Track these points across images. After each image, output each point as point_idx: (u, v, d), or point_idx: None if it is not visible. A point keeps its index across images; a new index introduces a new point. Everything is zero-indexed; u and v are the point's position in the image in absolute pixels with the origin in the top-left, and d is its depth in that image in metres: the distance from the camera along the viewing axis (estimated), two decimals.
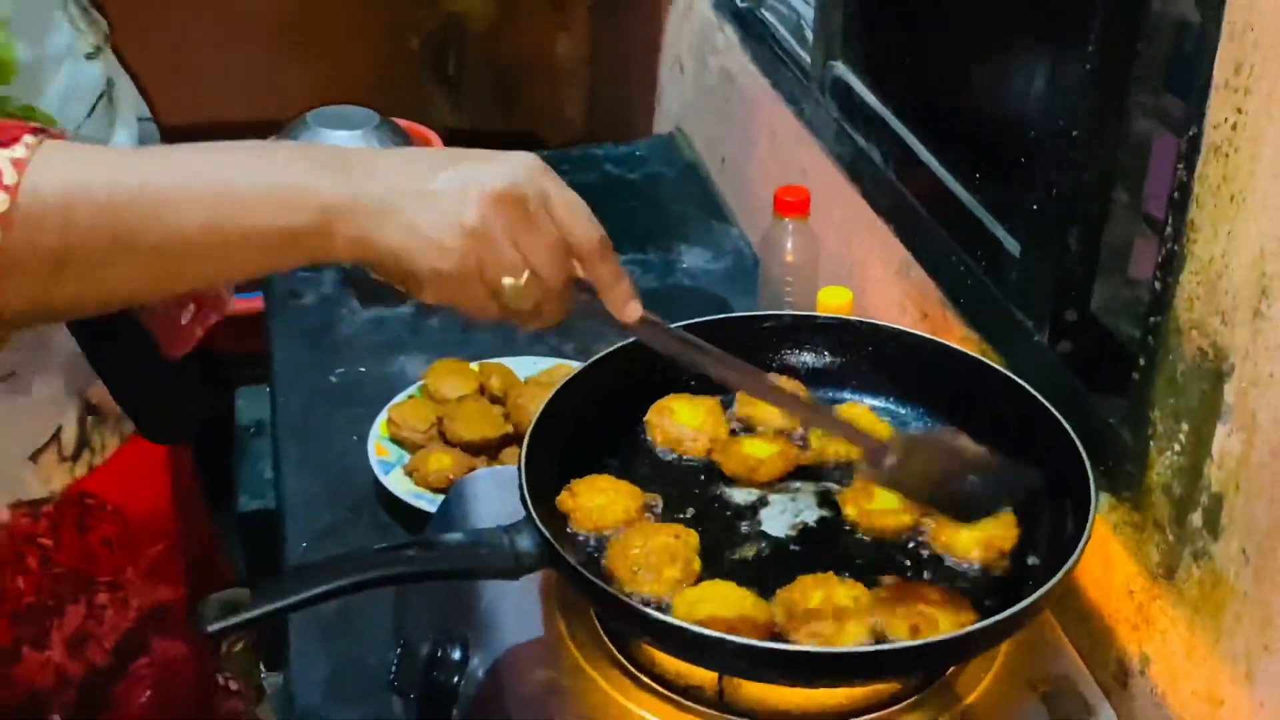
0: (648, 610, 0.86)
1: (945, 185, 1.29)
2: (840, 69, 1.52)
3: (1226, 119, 0.85)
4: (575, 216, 0.82)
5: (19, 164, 0.74)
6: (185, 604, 1.23)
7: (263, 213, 0.78)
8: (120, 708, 1.17)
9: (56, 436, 1.06)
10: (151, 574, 1.18)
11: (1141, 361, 0.96)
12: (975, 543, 0.97)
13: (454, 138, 2.11)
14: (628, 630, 0.93)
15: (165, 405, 1.10)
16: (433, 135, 1.96)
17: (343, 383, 1.53)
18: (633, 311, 0.86)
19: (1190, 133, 0.88)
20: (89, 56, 1.13)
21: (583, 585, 0.89)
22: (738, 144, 1.88)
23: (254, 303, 1.77)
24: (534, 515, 0.92)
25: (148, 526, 1.19)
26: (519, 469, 0.97)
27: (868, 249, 1.47)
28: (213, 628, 0.84)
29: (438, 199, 0.79)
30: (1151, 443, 0.96)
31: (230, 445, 2.08)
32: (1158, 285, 0.94)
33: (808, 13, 1.65)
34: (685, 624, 0.85)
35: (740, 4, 1.85)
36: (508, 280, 0.80)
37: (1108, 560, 1.02)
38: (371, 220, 0.78)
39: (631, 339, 1.09)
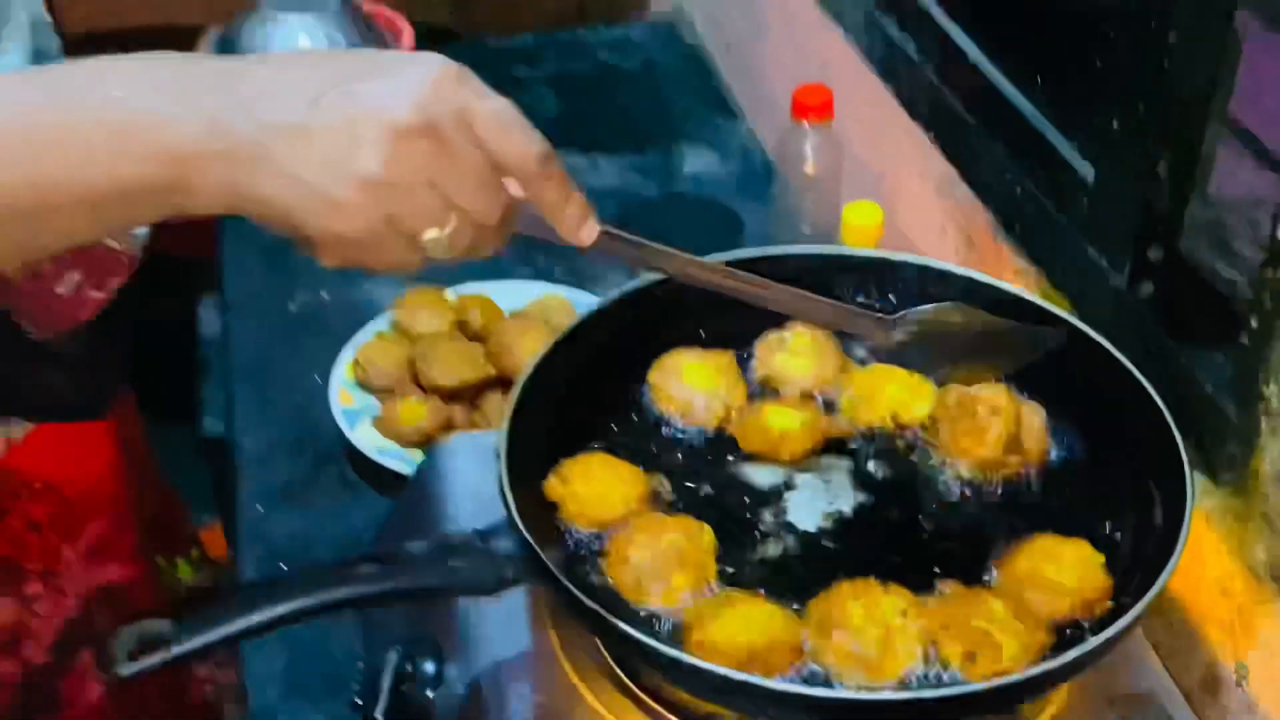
0: (660, 646, 0.72)
1: (999, 89, 1.16)
2: None
3: None
4: (506, 131, 0.67)
5: None
6: (143, 581, 1.11)
7: (98, 165, 0.62)
8: (70, 707, 1.06)
9: None
10: (95, 554, 1.08)
11: (1254, 321, 0.82)
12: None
13: (431, 30, 1.92)
14: (636, 663, 0.79)
15: (50, 386, 0.95)
16: (405, 26, 1.77)
17: (303, 311, 1.41)
18: (589, 233, 0.73)
19: None
20: None
21: (578, 609, 0.74)
22: (746, 28, 1.77)
23: None
24: (518, 520, 0.77)
25: (87, 501, 1.07)
26: (498, 453, 0.82)
27: (902, 160, 1.37)
28: (126, 670, 0.71)
29: (320, 139, 0.63)
30: (1264, 420, 0.82)
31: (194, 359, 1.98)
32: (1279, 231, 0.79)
33: None
34: (706, 665, 0.71)
35: None
36: (430, 233, 0.67)
37: (1198, 549, 0.89)
38: (239, 166, 0.63)
39: (638, 283, 0.97)
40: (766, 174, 1.55)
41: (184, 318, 1.94)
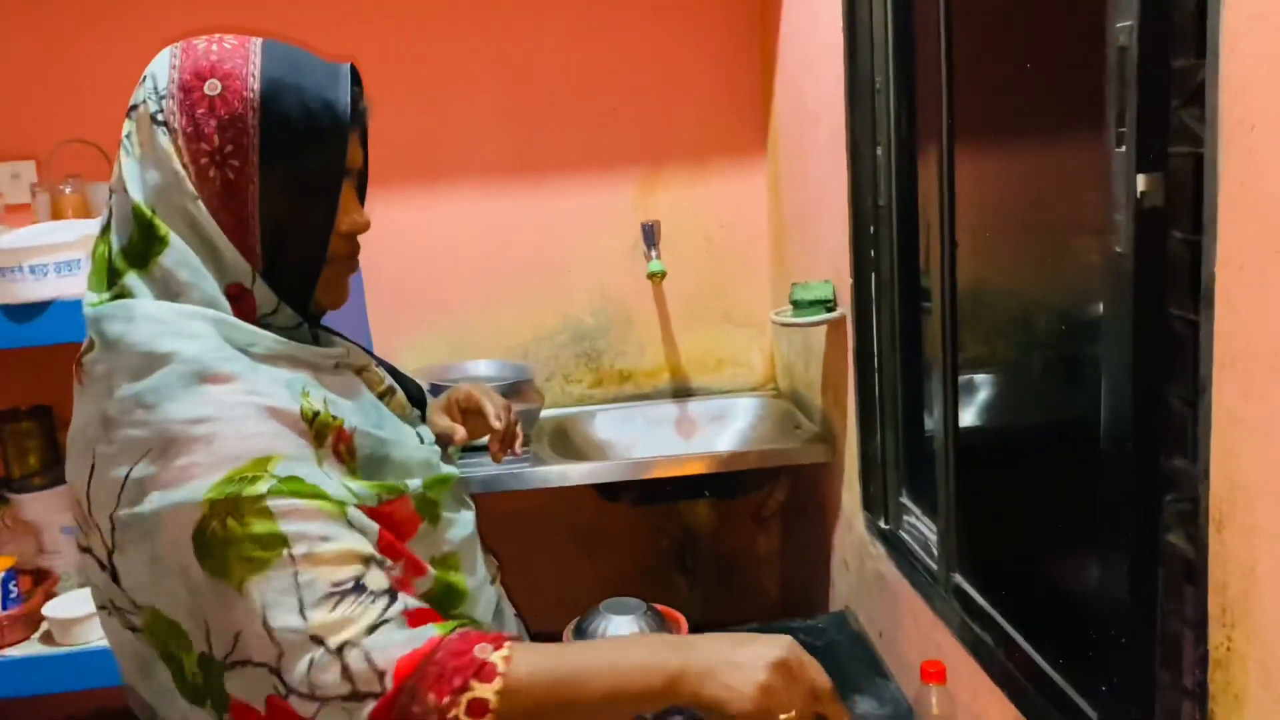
0: None
1: (1039, 665, 1.29)
2: (958, 578, 1.54)
3: (1222, 643, 0.93)
4: (819, 674, 0.97)
5: (507, 660, 0.93)
6: None
7: (636, 681, 0.94)
8: None
9: None
10: None
11: None
12: None
13: (689, 616, 2.09)
14: None
15: None
16: (681, 617, 1.94)
17: None
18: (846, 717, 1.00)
19: (1200, 652, 0.95)
20: (491, 581, 1.33)
21: None
22: (890, 622, 1.85)
23: None
24: None
25: None
26: None
27: (988, 705, 1.43)
28: None
29: (743, 668, 0.93)
30: None
31: None
32: None
33: (933, 536, 1.66)
34: None
35: (883, 526, 1.86)
36: (783, 716, 0.93)
37: None
38: (700, 682, 0.93)
39: None
40: (909, 715, 1.57)
41: None
